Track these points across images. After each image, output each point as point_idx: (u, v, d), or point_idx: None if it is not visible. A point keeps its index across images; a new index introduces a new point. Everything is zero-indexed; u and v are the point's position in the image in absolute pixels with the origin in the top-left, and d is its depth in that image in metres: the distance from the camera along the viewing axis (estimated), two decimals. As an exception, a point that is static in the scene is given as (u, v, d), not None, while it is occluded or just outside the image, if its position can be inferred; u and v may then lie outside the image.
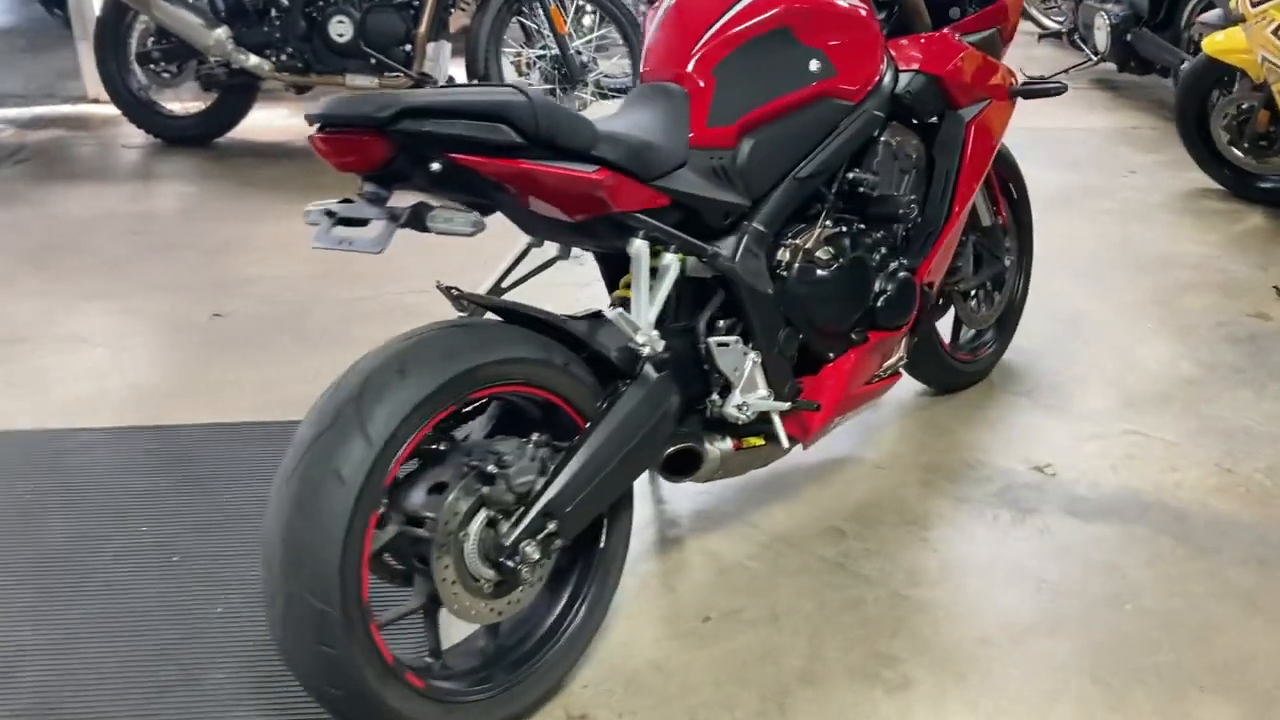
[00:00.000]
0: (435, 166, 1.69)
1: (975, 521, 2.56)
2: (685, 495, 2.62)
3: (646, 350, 1.93)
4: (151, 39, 4.80)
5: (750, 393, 2.17)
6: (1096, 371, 3.22)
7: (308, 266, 3.90)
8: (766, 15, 2.16)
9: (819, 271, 2.21)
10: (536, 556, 1.84)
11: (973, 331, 3.10)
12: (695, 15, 2.18)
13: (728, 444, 2.19)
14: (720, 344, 2.09)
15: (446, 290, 2.01)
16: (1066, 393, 3.11)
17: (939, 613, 2.27)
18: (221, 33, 4.62)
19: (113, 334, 3.52)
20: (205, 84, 4.77)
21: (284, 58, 4.69)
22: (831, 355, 2.34)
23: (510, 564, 1.82)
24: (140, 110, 4.92)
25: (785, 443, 2.29)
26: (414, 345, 1.77)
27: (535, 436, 1.87)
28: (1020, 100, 2.67)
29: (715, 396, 2.15)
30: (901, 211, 2.34)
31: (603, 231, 1.98)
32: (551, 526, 1.87)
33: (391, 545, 1.82)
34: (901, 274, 2.36)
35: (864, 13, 2.28)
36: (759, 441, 2.26)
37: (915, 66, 2.37)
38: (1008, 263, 2.98)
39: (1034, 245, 3.20)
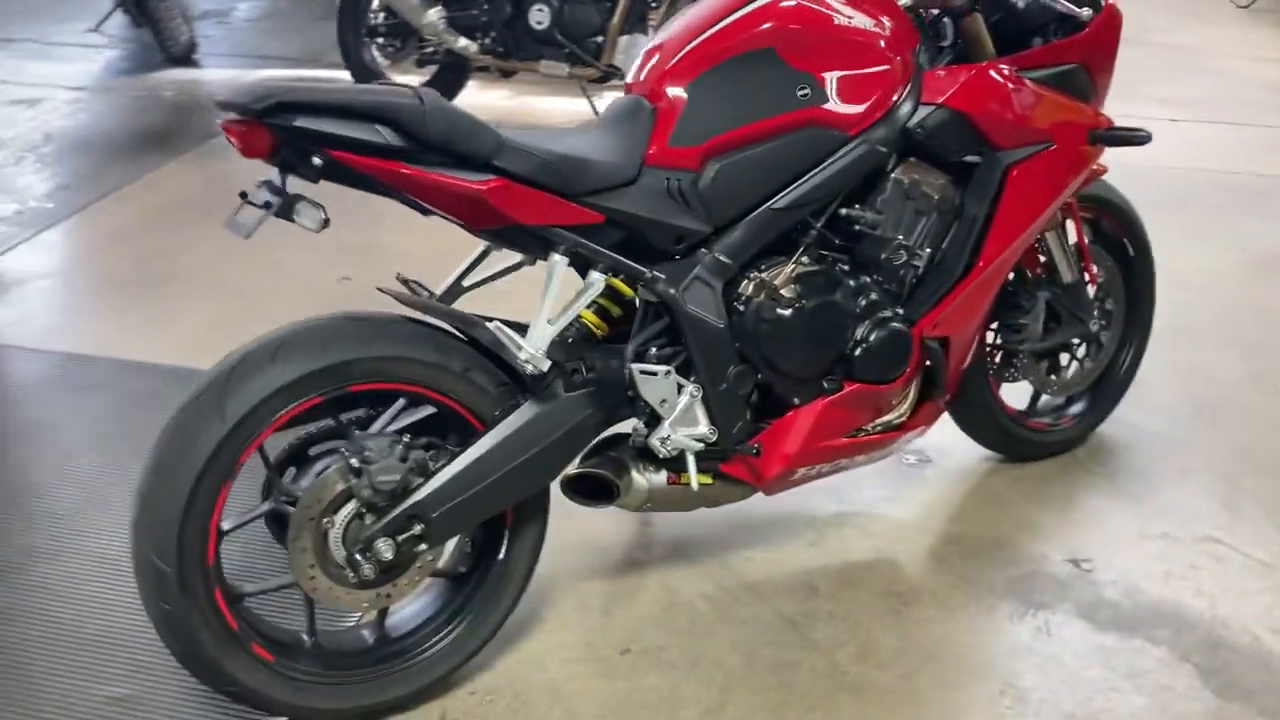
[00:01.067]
0: (316, 161, 1.73)
1: (968, 606, 2.31)
2: (672, 522, 2.53)
3: (529, 368, 1.88)
4: (381, 15, 5.14)
5: (687, 427, 2.06)
6: (1208, 467, 2.78)
7: (442, 245, 4.07)
8: (752, 33, 2.02)
9: (779, 310, 2.06)
10: (388, 556, 1.85)
11: (1058, 398, 2.77)
12: (688, 28, 2.08)
13: (660, 476, 2.09)
14: (645, 372, 1.99)
15: (403, 283, 2.04)
16: (1157, 483, 2.72)
17: (871, 698, 2.08)
18: (435, 14, 4.88)
19: (258, 289, 3.78)
20: (420, 61, 5.06)
21: (488, 41, 4.89)
22: (796, 401, 2.17)
23: (357, 558, 1.84)
24: (368, 80, 5.29)
25: (738, 489, 2.17)
26: (297, 331, 1.82)
27: (407, 437, 1.87)
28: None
29: (640, 425, 2.06)
30: (896, 256, 2.14)
31: (525, 242, 1.94)
32: (417, 529, 1.87)
33: (271, 518, 1.89)
34: (893, 324, 2.15)
35: (878, 37, 2.08)
36: (707, 480, 2.14)
37: (939, 100, 2.14)
38: (1095, 326, 2.63)
39: (1152, 307, 2.81)
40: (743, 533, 2.51)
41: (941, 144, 2.13)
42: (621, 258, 1.97)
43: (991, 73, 2.17)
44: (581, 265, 1.99)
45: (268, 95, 1.68)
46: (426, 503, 1.86)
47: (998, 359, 2.59)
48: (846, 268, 2.15)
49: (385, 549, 1.85)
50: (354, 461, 1.83)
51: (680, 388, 2.03)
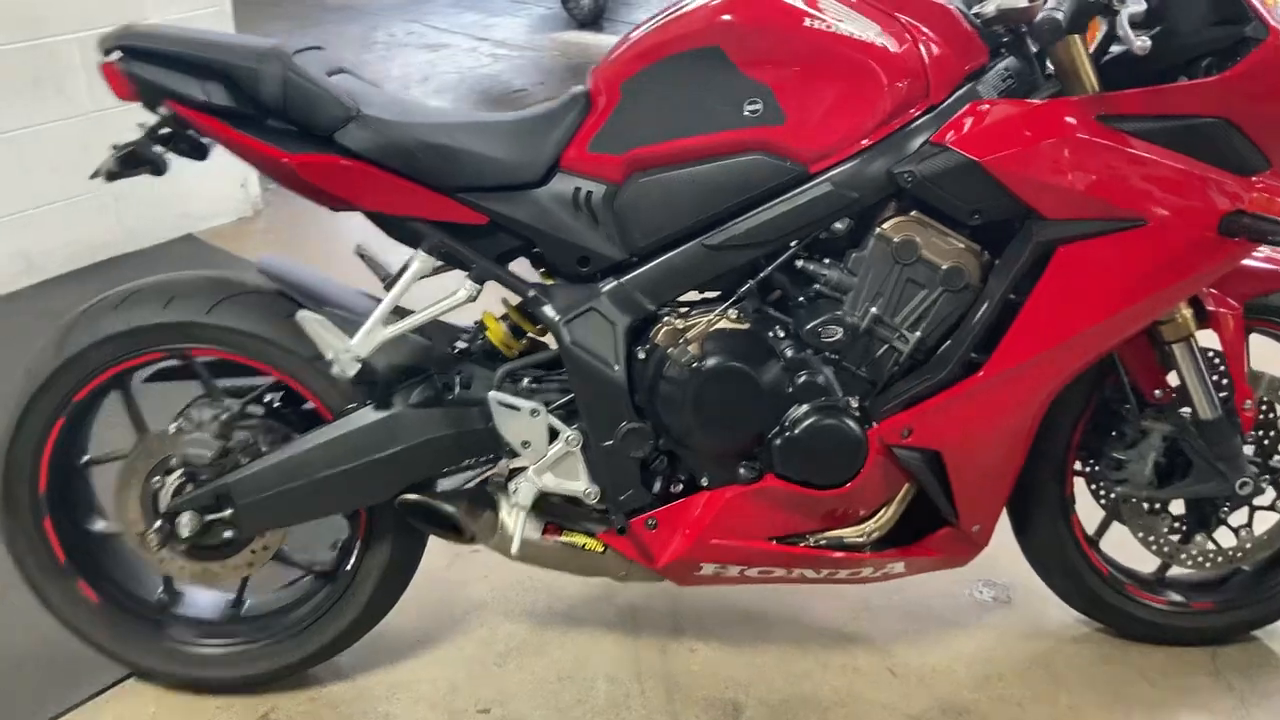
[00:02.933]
0: (162, 110, 1.65)
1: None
2: (651, 590, 2.19)
3: (334, 369, 1.67)
4: None
5: (561, 479, 1.75)
6: None
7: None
8: (696, 25, 1.62)
9: (679, 367, 1.66)
10: (186, 532, 1.76)
11: (1199, 570, 2.02)
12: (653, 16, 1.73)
13: (534, 527, 1.80)
14: (504, 403, 1.71)
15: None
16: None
17: None
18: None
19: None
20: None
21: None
22: (704, 482, 1.76)
23: (159, 521, 1.77)
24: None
25: (631, 567, 1.82)
26: (154, 283, 1.78)
27: (225, 414, 1.76)
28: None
29: (502, 464, 1.78)
30: (866, 333, 1.65)
31: (397, 231, 1.73)
32: (226, 513, 1.77)
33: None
34: (830, 418, 1.66)
35: (878, 49, 1.58)
36: (594, 545, 1.81)
37: (946, 140, 1.59)
38: (1245, 487, 1.86)
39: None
40: (712, 620, 2.12)
41: (941, 198, 1.60)
42: (498, 268, 1.70)
43: (1045, 111, 1.58)
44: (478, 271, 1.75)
45: (118, 37, 1.64)
46: (237, 487, 1.75)
47: (1099, 492, 1.94)
48: (783, 334, 1.69)
49: (186, 524, 1.76)
50: (171, 427, 1.77)
51: (554, 432, 1.73)
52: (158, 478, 1.80)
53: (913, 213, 1.64)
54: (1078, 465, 1.93)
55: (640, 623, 2.12)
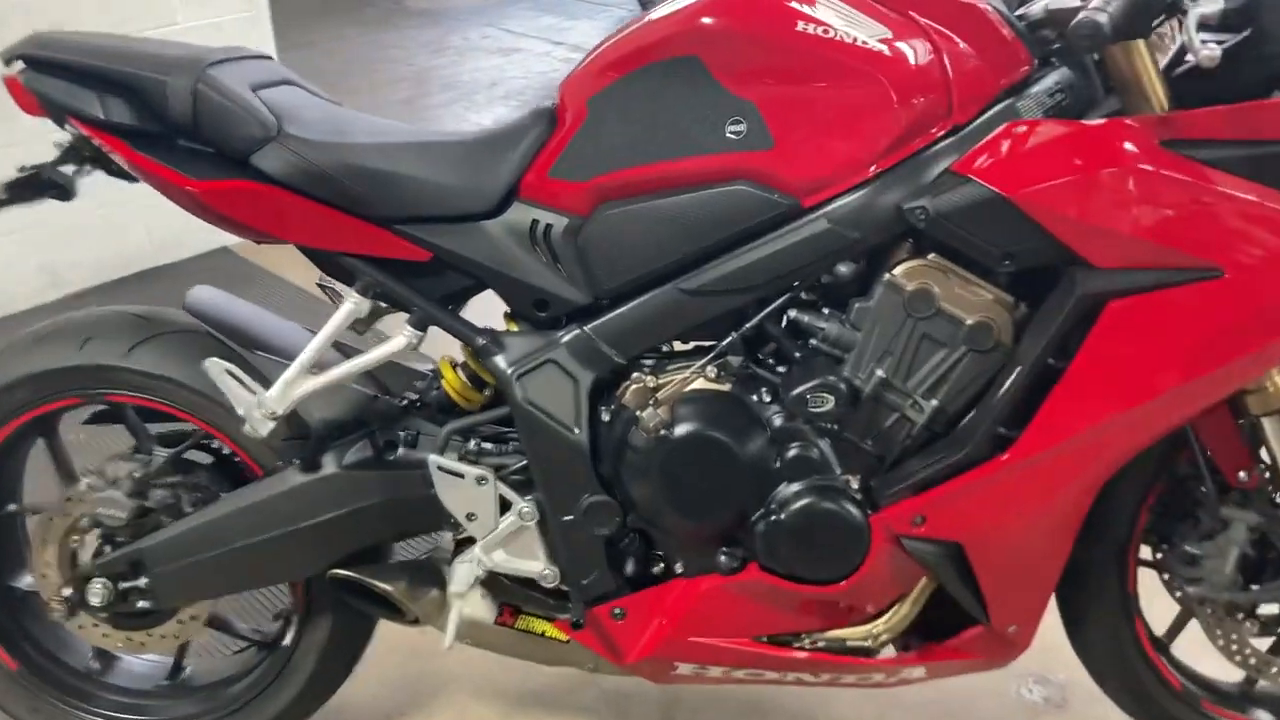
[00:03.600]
0: (68, 128, 1.46)
1: None
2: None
3: (245, 429, 1.45)
4: None
5: (515, 557, 1.50)
6: None
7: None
8: (674, 30, 1.36)
9: (649, 434, 1.40)
10: (97, 601, 1.57)
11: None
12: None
13: (487, 608, 1.55)
14: (446, 469, 1.46)
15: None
16: None
17: None
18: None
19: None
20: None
21: None
22: (679, 569, 1.49)
23: (70, 589, 1.58)
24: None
25: (598, 661, 1.56)
26: (73, 320, 1.59)
27: (142, 469, 1.56)
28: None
29: (446, 537, 1.54)
30: (871, 399, 1.36)
31: (329, 267, 1.51)
32: (141, 581, 1.56)
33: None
34: (827, 501, 1.37)
35: (891, 61, 1.29)
36: (556, 633, 1.56)
37: (972, 169, 1.29)
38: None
39: None
40: (712, 711, 1.85)
41: (963, 240, 1.30)
42: (442, 312, 1.47)
43: (1098, 135, 1.28)
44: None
45: (22, 46, 1.45)
46: (151, 554, 1.55)
47: (1170, 584, 1.61)
48: (770, 397, 1.41)
49: (97, 593, 1.57)
50: (83, 485, 1.58)
51: (506, 504, 1.49)
52: (76, 537, 1.61)
53: (930, 256, 1.35)
54: (1144, 551, 1.61)
55: (628, 710, 1.87)
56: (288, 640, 1.68)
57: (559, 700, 1.88)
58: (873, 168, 1.32)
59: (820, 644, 1.50)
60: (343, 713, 1.80)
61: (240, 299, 1.65)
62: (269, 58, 1.59)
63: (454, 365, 1.57)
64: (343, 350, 1.59)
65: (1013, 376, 1.34)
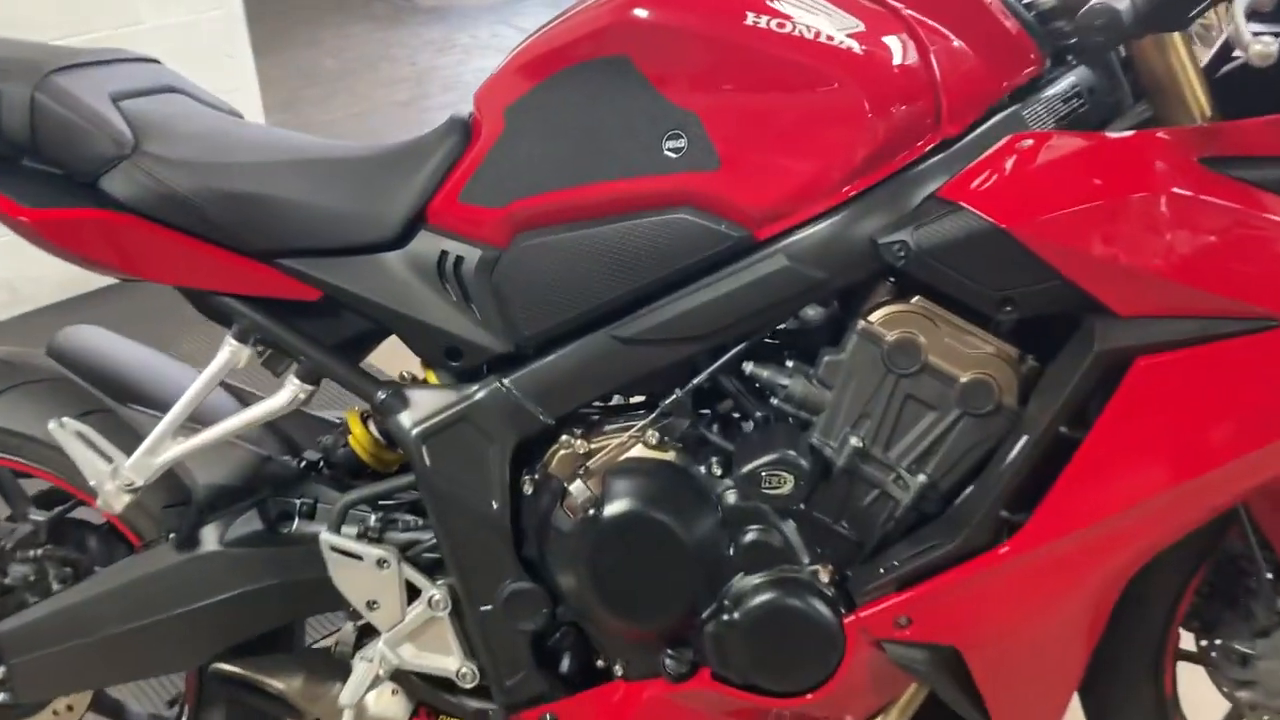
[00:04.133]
0: None
1: None
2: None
3: (100, 502, 1.23)
4: None
5: (425, 651, 1.27)
6: None
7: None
8: (600, 25, 1.11)
9: (576, 512, 1.16)
10: None
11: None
12: None
13: (399, 708, 1.32)
14: (340, 549, 1.23)
15: None
16: None
17: None
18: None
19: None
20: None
21: None
22: (618, 670, 1.24)
23: None
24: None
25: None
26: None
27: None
28: None
29: (348, 626, 1.31)
30: (845, 474, 1.11)
31: (205, 308, 1.28)
32: (1, 670, 1.35)
33: None
34: (791, 598, 1.12)
35: (843, 52, 1.03)
36: (479, 734, 1.33)
37: (963, 194, 1.03)
38: None
39: None
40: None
41: (952, 281, 1.05)
42: (335, 360, 1.23)
43: (1123, 150, 1.02)
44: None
45: None
46: (9, 640, 1.33)
47: (1218, 681, 1.34)
48: (722, 469, 1.17)
49: None
50: (-68, 554, 1.36)
51: (415, 590, 1.25)
52: (-63, 608, 1.40)
53: (915, 299, 1.10)
54: (1184, 640, 1.35)
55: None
56: (181, 733, 1.46)
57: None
58: (843, 190, 1.07)
59: (789, 764, 1.25)
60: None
61: (127, 340, 1.43)
62: (154, 61, 1.37)
63: (364, 418, 1.34)
64: (242, 399, 1.37)
65: (1018, 447, 1.08)
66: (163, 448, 1.23)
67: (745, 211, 1.08)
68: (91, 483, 1.23)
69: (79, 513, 1.45)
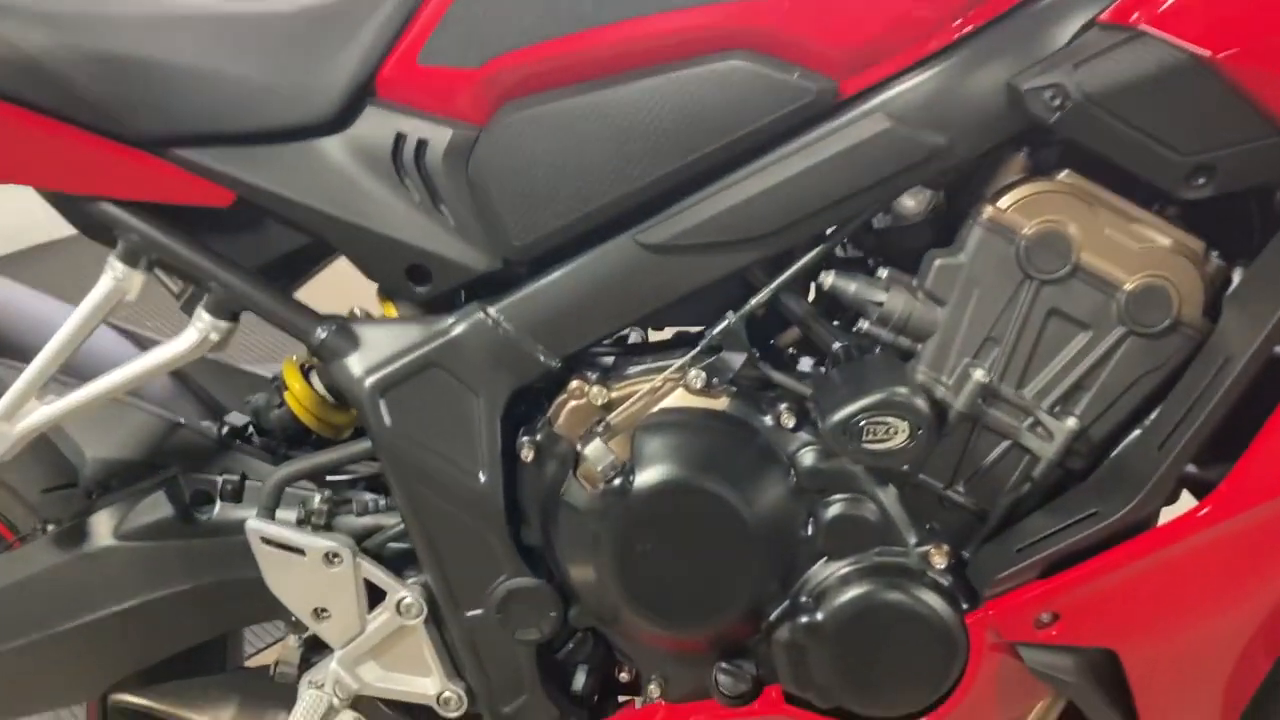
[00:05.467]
0: None
1: None
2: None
3: None
4: None
5: (388, 674, 0.95)
6: None
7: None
8: None
9: (597, 486, 0.85)
10: None
11: None
12: None
13: (363, 742, 1.01)
14: (273, 541, 0.92)
15: None
16: None
17: None
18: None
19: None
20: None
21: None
22: (653, 691, 0.93)
23: None
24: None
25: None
26: None
27: None
28: None
29: (291, 640, 0.99)
30: (917, 419, 0.79)
31: (79, 217, 0.95)
32: None
33: None
34: (894, 591, 0.82)
35: None
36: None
37: (1136, 17, 0.72)
38: None
39: None
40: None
41: (1124, 142, 0.74)
42: (256, 288, 0.91)
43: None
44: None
45: None
46: None
47: None
48: (795, 420, 0.86)
49: None
50: None
51: (375, 592, 0.94)
52: None
53: (1063, 174, 0.79)
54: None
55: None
56: (83, 781, 1.15)
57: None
58: (957, 24, 0.76)
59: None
60: None
61: (10, 282, 1.10)
62: None
63: (305, 370, 1.03)
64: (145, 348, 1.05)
65: (1208, 379, 0.78)
66: (25, 410, 0.90)
67: (826, 54, 0.77)
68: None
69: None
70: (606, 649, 0.97)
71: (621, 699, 1.02)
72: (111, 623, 0.97)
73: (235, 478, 0.98)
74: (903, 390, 0.78)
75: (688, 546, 0.85)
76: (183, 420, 1.01)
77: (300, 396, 1.02)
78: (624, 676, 1.00)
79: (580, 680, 0.98)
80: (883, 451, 0.79)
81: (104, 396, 0.91)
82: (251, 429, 1.04)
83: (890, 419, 0.78)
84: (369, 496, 0.96)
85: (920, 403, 0.78)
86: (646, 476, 0.84)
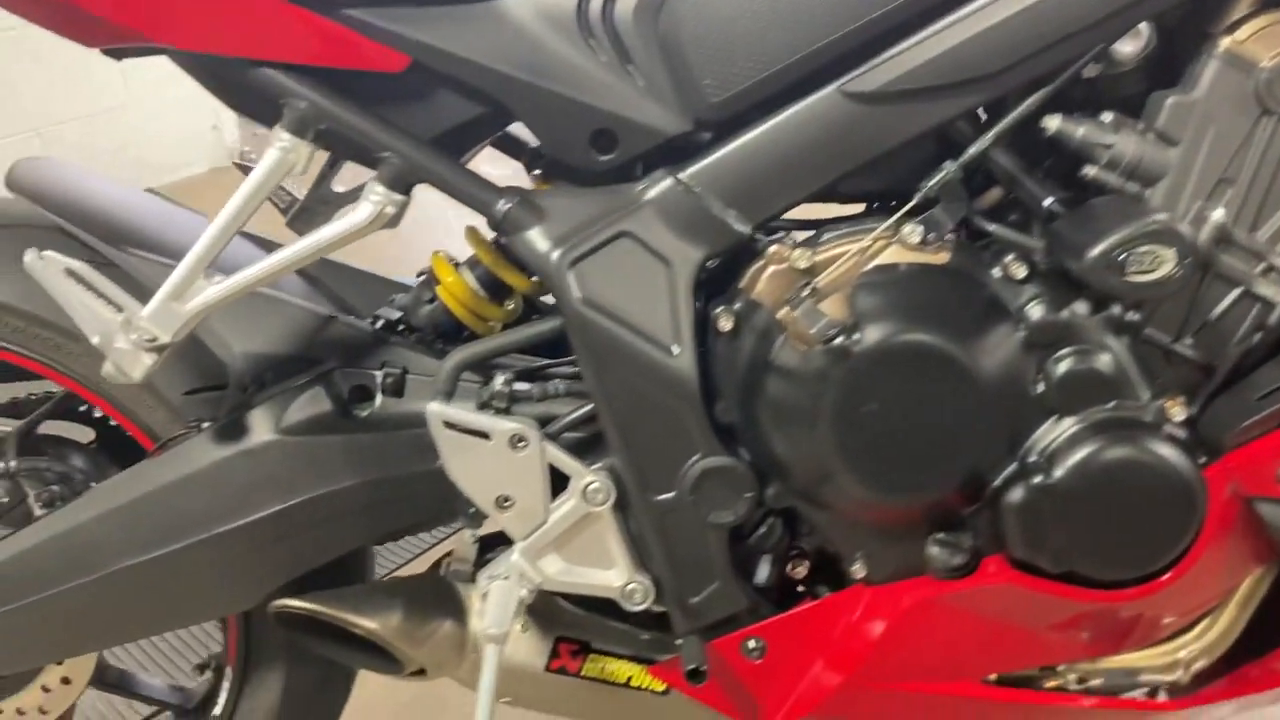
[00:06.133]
0: None
1: None
2: None
3: (106, 368, 0.85)
4: None
5: (572, 567, 0.91)
6: None
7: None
8: None
9: (809, 348, 0.81)
10: None
11: None
12: None
13: (533, 647, 0.96)
14: (457, 425, 0.87)
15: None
16: None
17: None
18: None
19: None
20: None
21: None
22: (857, 570, 0.90)
23: None
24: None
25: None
26: None
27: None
28: None
29: (465, 536, 0.95)
30: (1179, 260, 0.75)
31: (234, 93, 0.90)
32: (-38, 633, 0.96)
33: None
34: (1140, 447, 0.79)
35: None
36: (647, 681, 0.98)
37: None
38: None
39: None
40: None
41: None
42: (433, 158, 0.86)
43: None
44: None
45: None
46: (-17, 588, 0.95)
47: None
48: (1025, 270, 0.83)
49: None
50: None
51: (561, 479, 0.89)
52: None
53: None
54: None
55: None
56: (219, 707, 1.09)
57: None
58: None
59: (1093, 682, 0.92)
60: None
61: (104, 177, 1.04)
62: None
63: (456, 265, 0.98)
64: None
65: None
66: (193, 290, 0.85)
67: None
68: (94, 340, 0.84)
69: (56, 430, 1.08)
70: (790, 540, 0.93)
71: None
72: (273, 523, 0.91)
73: (397, 370, 0.93)
74: (1162, 217, 0.75)
75: (914, 406, 0.81)
76: (335, 314, 0.96)
77: (454, 289, 0.97)
78: (800, 572, 0.97)
79: (763, 573, 0.94)
80: (1149, 283, 0.75)
81: (275, 274, 0.86)
82: (401, 328, 0.99)
83: (1154, 247, 0.75)
84: (547, 384, 0.92)
85: (1185, 229, 0.75)
86: (871, 334, 0.80)
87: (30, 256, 0.84)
